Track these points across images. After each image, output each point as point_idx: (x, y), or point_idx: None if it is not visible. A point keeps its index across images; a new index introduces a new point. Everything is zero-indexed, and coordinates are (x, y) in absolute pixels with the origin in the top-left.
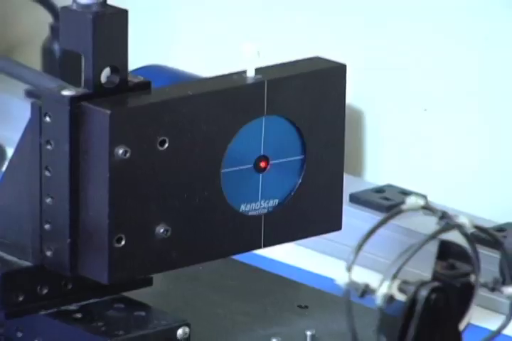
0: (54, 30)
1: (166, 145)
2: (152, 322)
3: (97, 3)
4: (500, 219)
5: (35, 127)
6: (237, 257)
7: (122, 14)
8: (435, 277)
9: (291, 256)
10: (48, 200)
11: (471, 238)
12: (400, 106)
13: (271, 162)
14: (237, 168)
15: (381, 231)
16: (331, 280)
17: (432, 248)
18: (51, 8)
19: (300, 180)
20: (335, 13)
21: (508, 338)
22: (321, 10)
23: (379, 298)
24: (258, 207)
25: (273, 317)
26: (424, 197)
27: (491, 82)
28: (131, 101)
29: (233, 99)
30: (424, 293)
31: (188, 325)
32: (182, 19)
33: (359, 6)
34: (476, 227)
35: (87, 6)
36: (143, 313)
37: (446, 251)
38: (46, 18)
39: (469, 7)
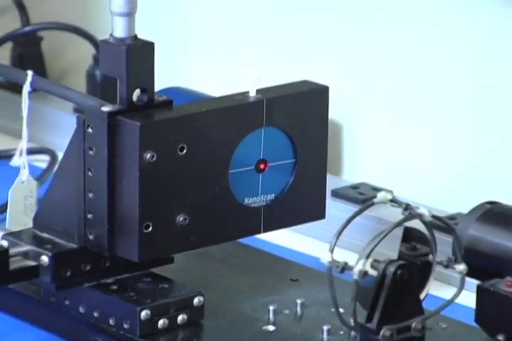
0: (95, 59)
1: (185, 150)
2: (173, 292)
3: (129, 37)
4: (452, 210)
5: (80, 136)
6: (242, 240)
7: (150, 46)
8: (400, 256)
9: (285, 239)
10: (90, 195)
11: (429, 225)
12: (371, 120)
13: (269, 164)
14: (241, 169)
15: (357, 220)
16: (317, 259)
17: (398, 233)
18: (93, 42)
19: (292, 179)
20: (319, 42)
21: (459, 306)
22: (309, 40)
23: (355, 273)
24: (258, 200)
25: (270, 288)
26: (391, 192)
27: (445, 102)
28: (156, 115)
29: (238, 114)
30: (391, 269)
31: (202, 294)
32: (198, 50)
33: (338, 35)
34: (433, 216)
35: (121, 40)
36: (166, 285)
37: (409, 236)
38: (89, 49)
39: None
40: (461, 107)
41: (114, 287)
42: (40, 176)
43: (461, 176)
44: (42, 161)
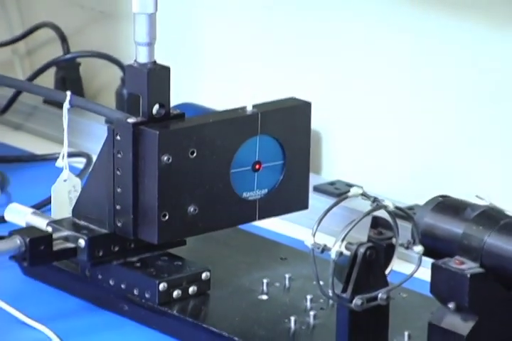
0: (123, 80)
1: (195, 154)
2: (185, 268)
3: (150, 62)
4: (411, 202)
5: (110, 142)
6: (241, 226)
7: (166, 69)
8: (369, 240)
9: (276, 225)
10: (119, 190)
11: (393, 214)
12: (344, 129)
13: (263, 165)
14: (240, 169)
15: (334, 210)
16: (302, 241)
17: (367, 221)
18: (121, 66)
19: (281, 177)
20: (301, 66)
21: (417, 279)
22: (294, 65)
23: (333, 253)
24: (254, 194)
25: (263, 265)
26: (362, 188)
27: (405, 115)
28: (171, 125)
29: (238, 124)
30: (362, 250)
31: (209, 270)
32: (206, 73)
33: (316, 61)
34: (396, 207)
35: (143, 65)
36: (179, 263)
37: (376, 223)
38: (118, 73)
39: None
40: (418, 121)
41: (138, 264)
42: (78, 175)
43: (418, 175)
44: (79, 163)
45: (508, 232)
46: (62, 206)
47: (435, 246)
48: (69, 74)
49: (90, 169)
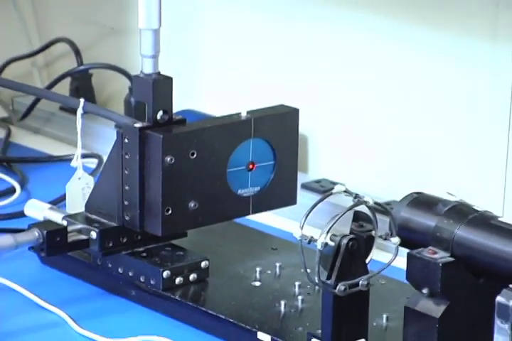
0: (130, 89)
1: (195, 155)
2: (186, 258)
3: (154, 73)
4: (389, 198)
5: (119, 145)
6: (236, 220)
7: (169, 79)
8: (351, 232)
9: (268, 219)
10: (127, 187)
11: (372, 209)
12: (329, 132)
13: (256, 165)
14: (235, 169)
15: (319, 205)
16: (291, 233)
17: (349, 215)
18: (128, 77)
19: (272, 176)
20: (289, 77)
21: (394, 268)
22: (284, 76)
23: (319, 244)
24: (248, 191)
25: (256, 254)
26: (344, 185)
27: (381, 120)
28: (174, 130)
29: (233, 128)
30: (345, 241)
31: (207, 259)
32: (204, 83)
33: (303, 73)
34: (375, 203)
35: (149, 75)
36: (181, 253)
37: (358, 217)
38: (126, 82)
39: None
40: (394, 126)
41: (144, 254)
42: (90, 174)
43: (394, 173)
44: (92, 163)
45: (476, 225)
46: (76, 202)
47: (410, 238)
48: (82, 84)
49: (101, 169)
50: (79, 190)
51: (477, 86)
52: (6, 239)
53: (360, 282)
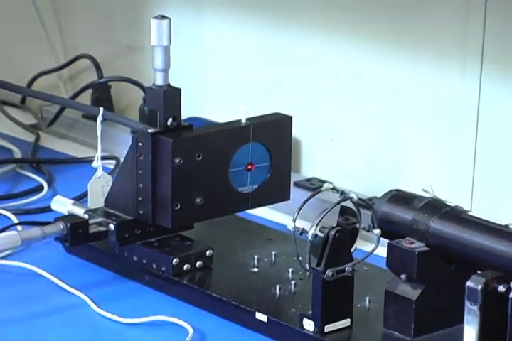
0: (144, 99)
1: (201, 157)
2: (193, 247)
3: (165, 85)
4: (370, 194)
5: (134, 148)
6: (237, 214)
7: (178, 90)
8: (338, 224)
9: (264, 213)
10: (141, 185)
11: (357, 204)
12: (318, 137)
13: (254, 165)
14: (236, 169)
15: (310, 201)
16: (285, 225)
17: (336, 209)
18: (142, 88)
19: (268, 175)
20: (286, 86)
21: (376, 256)
22: (282, 85)
23: (309, 235)
24: (247, 188)
25: (254, 244)
26: (332, 183)
27: (363, 124)
28: (182, 134)
29: (235, 133)
30: (332, 232)
31: (211, 248)
32: (209, 93)
33: (297, 81)
34: (359, 199)
35: (160, 86)
36: (189, 243)
37: (344, 211)
38: (140, 93)
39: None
40: (376, 130)
41: (156, 244)
42: (109, 173)
43: (376, 173)
44: (110, 164)
45: (448, 219)
46: (97, 198)
47: (390, 230)
48: (102, 95)
49: (118, 169)
50: (99, 187)
51: (447, 94)
52: (35, 231)
53: (346, 268)
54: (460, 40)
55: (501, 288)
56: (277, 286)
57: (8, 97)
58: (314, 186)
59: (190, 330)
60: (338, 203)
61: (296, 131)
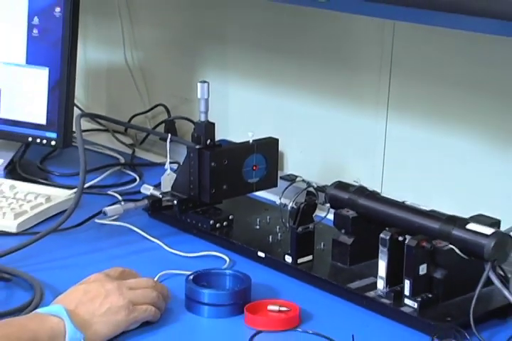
0: (194, 129)
1: (226, 162)
2: (222, 213)
3: (205, 120)
4: (324, 183)
5: (188, 156)
6: (246, 195)
7: (212, 124)
8: (305, 201)
9: (263, 194)
10: (192, 178)
11: (316, 189)
12: (293, 150)
13: (257, 167)
14: (247, 169)
15: (289, 188)
16: (275, 201)
17: (304, 192)
18: (193, 123)
19: (265, 172)
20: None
21: (327, 219)
22: (278, 118)
23: (289, 207)
24: (253, 180)
25: (256, 212)
26: (301, 177)
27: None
28: (215, 149)
29: (245, 148)
30: (302, 205)
31: (232, 214)
32: (230, 125)
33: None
34: (318, 186)
35: (203, 122)
36: (219, 211)
37: (309, 193)
38: (191, 126)
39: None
40: (333, 139)
41: (200, 212)
42: (174, 172)
43: (328, 171)
44: (174, 166)
45: (369, 197)
46: (167, 186)
47: (336, 204)
48: (170, 127)
49: (179, 169)
50: (168, 180)
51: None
52: (131, 204)
53: (310, 226)
54: (374, 91)
55: (400, 238)
56: (270, 236)
57: (117, 128)
58: (291, 179)
59: (227, 260)
60: (305, 189)
61: (281, 147)
